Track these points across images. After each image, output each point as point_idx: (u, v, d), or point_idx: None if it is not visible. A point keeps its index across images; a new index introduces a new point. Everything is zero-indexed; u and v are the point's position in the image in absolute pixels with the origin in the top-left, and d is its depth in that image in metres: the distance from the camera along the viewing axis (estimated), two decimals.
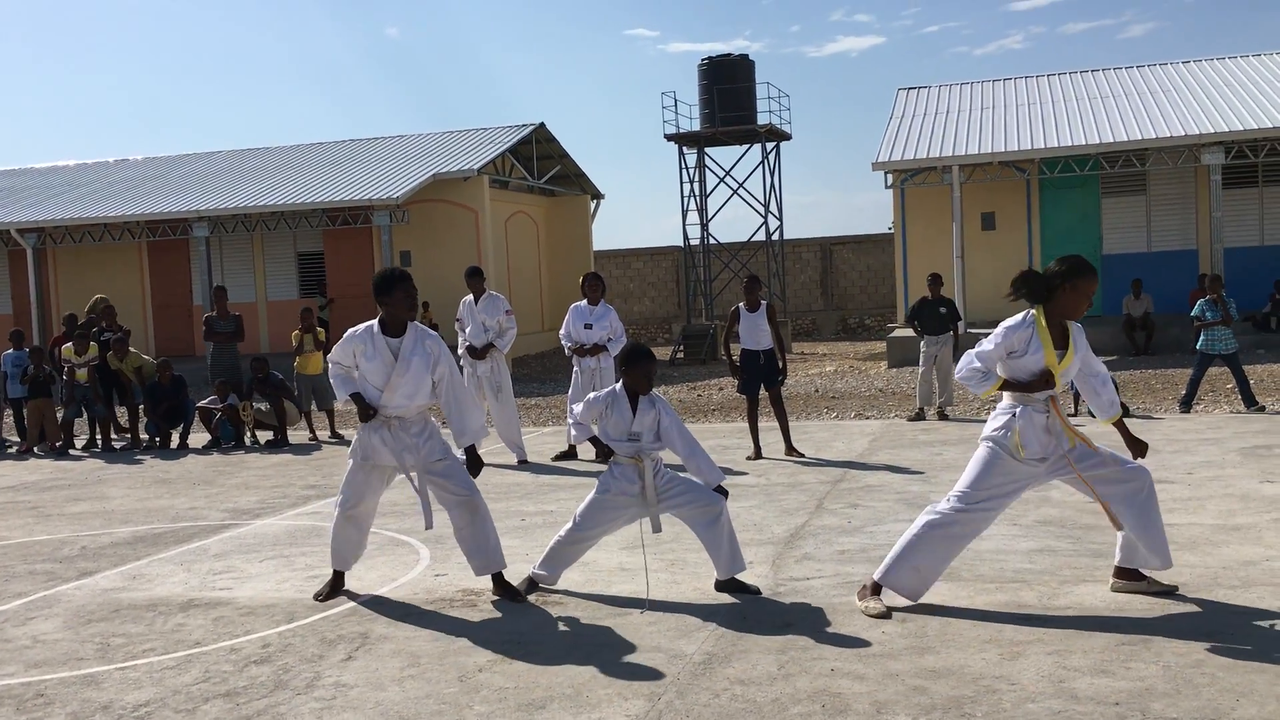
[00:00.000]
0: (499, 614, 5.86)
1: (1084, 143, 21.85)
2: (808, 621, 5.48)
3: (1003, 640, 5.04)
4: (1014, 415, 5.43)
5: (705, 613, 5.70)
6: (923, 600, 5.66)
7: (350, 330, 6.17)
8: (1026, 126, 23.57)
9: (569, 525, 6.14)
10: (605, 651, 5.16)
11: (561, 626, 5.61)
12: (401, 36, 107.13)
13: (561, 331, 11.42)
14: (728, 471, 10.15)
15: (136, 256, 28.70)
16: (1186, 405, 13.15)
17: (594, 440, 6.16)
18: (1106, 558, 6.16)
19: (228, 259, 28.44)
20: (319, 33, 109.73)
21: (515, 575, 6.34)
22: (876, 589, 5.65)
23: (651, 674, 4.83)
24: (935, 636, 5.16)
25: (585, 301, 11.30)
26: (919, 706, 4.32)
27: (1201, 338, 13.18)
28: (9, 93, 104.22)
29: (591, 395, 6.19)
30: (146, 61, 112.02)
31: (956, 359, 13.85)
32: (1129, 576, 5.70)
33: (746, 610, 5.71)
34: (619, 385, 6.11)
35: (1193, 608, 5.42)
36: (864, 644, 5.09)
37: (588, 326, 11.18)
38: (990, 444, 5.50)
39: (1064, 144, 21.97)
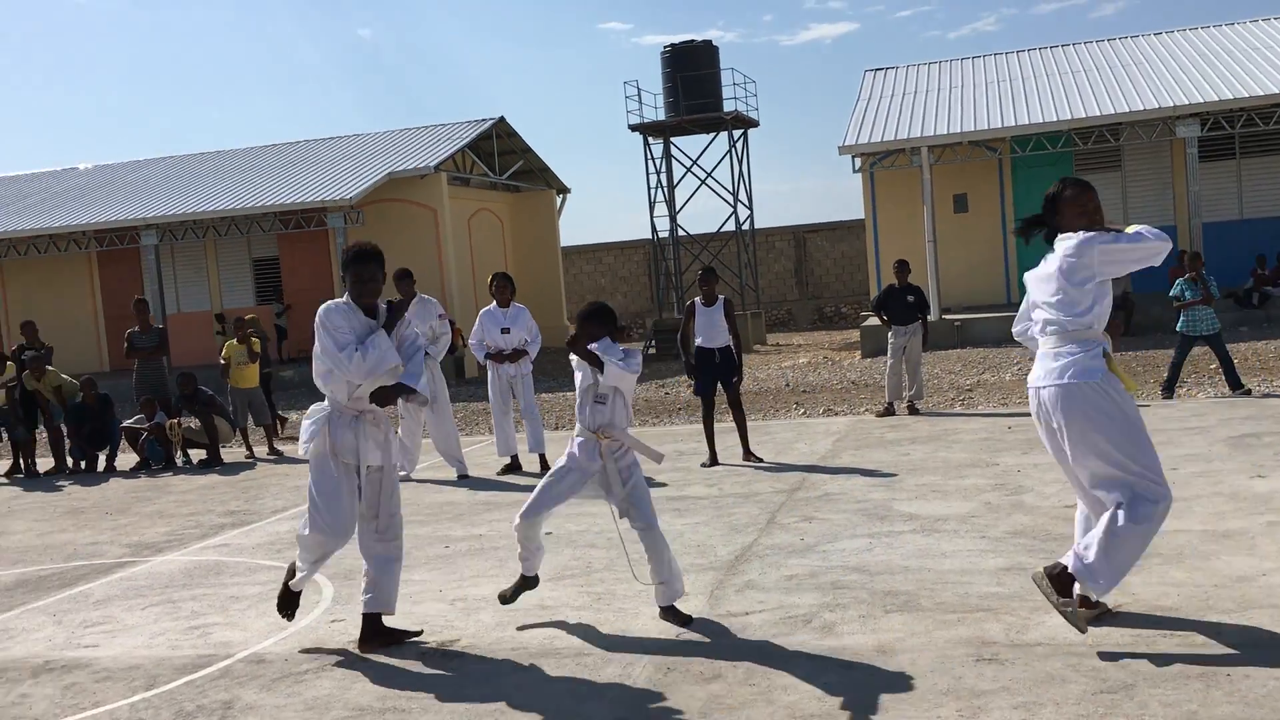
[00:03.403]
0: (392, 669, 5.10)
1: (1055, 119, 21.17)
2: (739, 672, 4.73)
3: (962, 691, 4.30)
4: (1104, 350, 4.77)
5: (624, 661, 4.94)
6: (873, 637, 4.93)
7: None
8: (997, 104, 22.88)
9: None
10: (498, 718, 4.41)
11: (449, 682, 4.85)
12: (374, 36, 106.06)
13: (472, 340, 10.63)
14: (665, 487, 9.40)
15: (86, 268, 27.78)
16: (1169, 390, 12.46)
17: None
18: None
19: (180, 267, 27.58)
20: (289, 36, 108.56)
21: (403, 617, 5.58)
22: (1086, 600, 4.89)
23: None
24: (886, 686, 4.42)
25: (495, 304, 10.57)
26: None
27: (1182, 319, 12.49)
28: None
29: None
30: (114, 70, 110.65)
31: (926, 349, 13.33)
32: (1086, 604, 4.95)
33: (669, 658, 4.96)
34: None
35: (1182, 639, 4.69)
36: (801, 703, 4.34)
37: (505, 331, 10.46)
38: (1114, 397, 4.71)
39: (1035, 121, 21.29)
